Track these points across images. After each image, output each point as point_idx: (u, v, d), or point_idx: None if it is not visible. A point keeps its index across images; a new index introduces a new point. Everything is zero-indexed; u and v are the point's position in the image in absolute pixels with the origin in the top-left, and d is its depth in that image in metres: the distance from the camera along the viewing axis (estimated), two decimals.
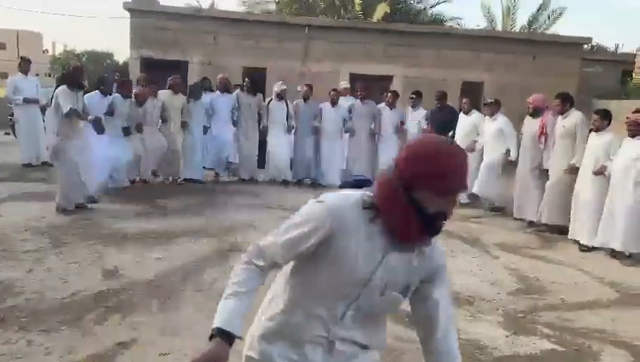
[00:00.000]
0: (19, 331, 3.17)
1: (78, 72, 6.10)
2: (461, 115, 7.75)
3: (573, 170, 5.96)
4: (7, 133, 11.65)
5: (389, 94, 8.50)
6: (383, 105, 8.53)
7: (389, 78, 11.38)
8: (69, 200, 5.96)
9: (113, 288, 3.92)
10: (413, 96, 8.36)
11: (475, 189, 7.16)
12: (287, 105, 8.36)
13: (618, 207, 5.35)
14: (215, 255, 4.85)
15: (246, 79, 8.45)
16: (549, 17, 17.78)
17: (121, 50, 73.21)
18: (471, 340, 3.44)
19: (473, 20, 53.23)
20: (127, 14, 11.03)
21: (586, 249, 5.72)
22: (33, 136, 8.94)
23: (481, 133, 7.40)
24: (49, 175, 8.17)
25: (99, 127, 6.14)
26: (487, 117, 7.34)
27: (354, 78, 10.88)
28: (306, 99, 8.47)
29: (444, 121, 7.86)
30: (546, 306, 4.13)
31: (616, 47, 21.13)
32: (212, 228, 5.72)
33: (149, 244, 5.01)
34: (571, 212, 5.94)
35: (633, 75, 15.21)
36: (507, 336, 3.54)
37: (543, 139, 6.41)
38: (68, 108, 5.71)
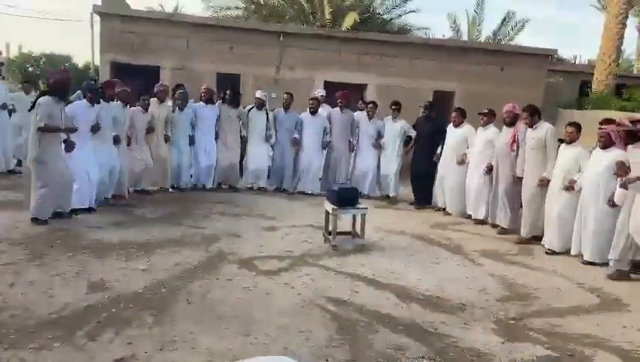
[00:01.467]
0: (9, 349, 3.02)
1: (68, 83, 5.86)
2: (450, 127, 7.71)
3: (545, 183, 6.11)
4: None
5: (370, 105, 8.54)
6: (362, 114, 8.58)
7: (362, 87, 11.47)
8: (44, 210, 5.72)
9: (102, 301, 3.79)
10: (395, 107, 8.37)
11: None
12: (267, 113, 8.33)
13: (588, 217, 5.57)
14: (202, 265, 4.76)
15: (228, 91, 8.35)
16: (512, 28, 18.40)
17: (80, 54, 71.26)
18: (468, 348, 3.48)
19: (440, 30, 54.23)
20: (87, 17, 10.78)
21: (550, 252, 5.98)
22: (1, 143, 8.59)
23: (471, 145, 7.39)
24: (17, 183, 7.88)
25: (69, 146, 5.80)
26: (479, 127, 7.34)
27: (328, 85, 10.92)
28: (286, 108, 8.44)
29: (432, 131, 7.92)
30: (534, 312, 4.22)
31: (575, 58, 22.01)
32: (195, 238, 5.62)
33: (131, 255, 4.87)
34: (545, 221, 6.14)
35: (592, 85, 15.90)
36: (503, 343, 3.60)
37: (515, 147, 6.56)
38: (43, 124, 5.50)
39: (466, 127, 7.56)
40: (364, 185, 8.52)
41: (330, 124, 8.47)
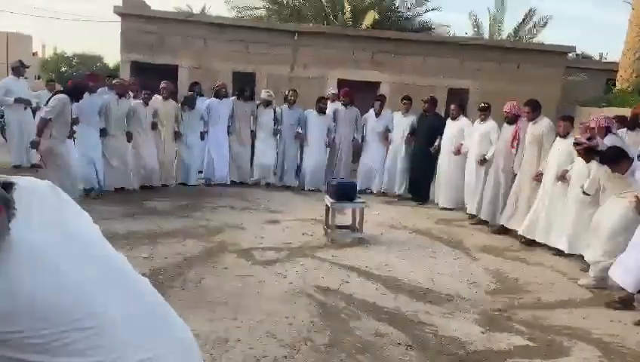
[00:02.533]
0: None
1: (84, 87, 6.34)
2: (449, 121, 7.88)
3: (540, 178, 6.15)
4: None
5: (378, 102, 8.62)
6: (370, 112, 8.70)
7: (376, 85, 11.55)
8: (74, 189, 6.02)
9: None
10: (406, 101, 8.42)
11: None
12: (274, 111, 8.52)
13: (569, 209, 5.64)
14: (202, 254, 4.96)
15: (245, 88, 8.59)
16: (534, 26, 18.12)
17: (111, 54, 72.89)
18: (447, 336, 3.57)
19: (462, 29, 53.79)
20: (117, 18, 11.10)
21: (524, 241, 6.13)
22: (23, 138, 8.97)
23: (467, 137, 7.51)
24: (38, 176, 8.23)
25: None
26: (477, 120, 7.39)
27: (341, 83, 11.03)
28: (290, 104, 8.62)
29: (430, 127, 8.05)
30: (521, 305, 4.28)
31: (601, 56, 21.52)
32: (200, 229, 5.83)
33: (136, 244, 5.11)
34: (532, 210, 6.15)
35: (616, 83, 15.59)
36: (482, 332, 3.68)
37: (515, 144, 6.58)
38: (49, 116, 5.87)
39: (463, 120, 7.75)
40: (372, 182, 8.65)
41: (334, 121, 8.58)
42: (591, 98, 14.22)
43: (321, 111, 8.51)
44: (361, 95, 9.28)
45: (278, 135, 8.57)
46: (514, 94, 9.63)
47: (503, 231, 6.57)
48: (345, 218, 6.25)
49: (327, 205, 5.88)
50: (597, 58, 21.79)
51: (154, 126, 7.77)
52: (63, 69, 45.73)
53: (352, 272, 4.77)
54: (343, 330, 3.55)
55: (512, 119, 6.65)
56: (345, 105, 8.60)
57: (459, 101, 8.56)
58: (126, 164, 7.47)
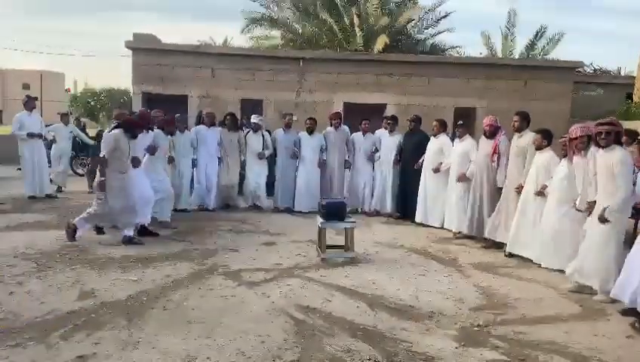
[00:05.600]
0: None
1: (134, 125, 6.34)
2: (431, 138, 7.99)
3: (522, 190, 6.22)
4: (19, 168, 12.11)
5: (363, 122, 8.85)
6: (358, 133, 8.86)
7: (382, 107, 11.65)
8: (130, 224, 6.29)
9: (86, 308, 4.13)
10: (390, 121, 8.65)
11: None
12: (262, 136, 8.72)
13: (549, 222, 5.71)
14: (190, 276, 5.05)
15: (227, 116, 8.80)
16: (547, 43, 18.08)
17: None
18: (419, 352, 3.55)
19: (475, 48, 53.96)
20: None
21: (508, 255, 6.18)
22: (37, 170, 9.34)
23: (447, 155, 7.63)
24: (50, 206, 8.55)
25: (135, 161, 6.38)
26: (456, 139, 7.53)
27: (347, 107, 11.18)
28: (287, 127, 8.79)
29: (415, 144, 8.17)
30: (503, 320, 4.22)
31: (619, 70, 21.18)
32: (193, 252, 5.94)
33: (127, 268, 5.24)
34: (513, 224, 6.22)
35: (634, 96, 15.33)
36: (457, 348, 3.65)
37: (495, 158, 6.66)
38: (102, 155, 6.11)
39: (442, 138, 7.83)
40: (360, 201, 8.73)
41: (325, 142, 8.73)
42: (604, 112, 14.00)
43: (309, 131, 8.72)
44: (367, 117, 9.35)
45: (265, 157, 8.76)
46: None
47: (494, 245, 6.63)
48: (341, 238, 6.28)
49: (318, 225, 5.94)
50: (615, 72, 21.45)
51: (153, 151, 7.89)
52: (92, 103, 47.44)
53: (337, 291, 4.78)
54: (314, 348, 3.57)
55: (492, 133, 6.74)
56: (335, 127, 8.73)
57: (465, 120, 8.55)
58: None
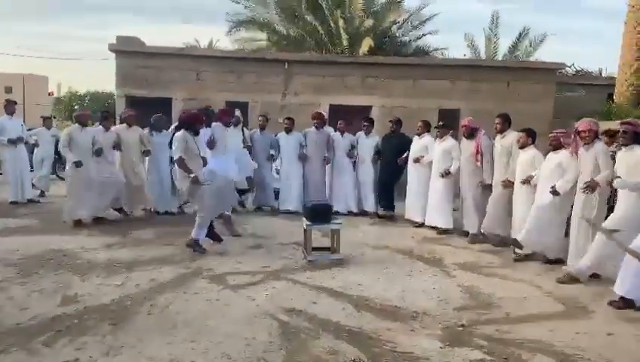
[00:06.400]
0: None
1: (194, 119, 6.31)
2: (415, 138, 8.13)
3: (509, 184, 6.47)
4: (0, 173, 11.93)
5: (340, 122, 8.95)
6: (336, 133, 8.93)
7: (367, 108, 11.70)
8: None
9: (69, 313, 4.10)
10: (367, 123, 8.82)
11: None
12: (242, 131, 8.61)
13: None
14: (175, 280, 5.02)
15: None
16: (530, 44, 18.25)
17: None
18: (404, 352, 3.57)
19: (459, 50, 54.63)
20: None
21: (517, 255, 6.21)
22: (19, 175, 9.22)
23: (430, 153, 7.82)
24: (33, 211, 8.46)
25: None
26: (437, 139, 7.72)
27: (333, 109, 11.21)
28: (261, 129, 8.84)
29: (396, 145, 8.36)
30: (487, 320, 4.25)
31: (600, 71, 21.48)
32: (179, 256, 5.90)
33: (112, 272, 5.20)
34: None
35: (615, 97, 15.57)
36: (441, 348, 3.68)
37: (479, 158, 6.92)
38: (177, 156, 6.02)
39: (427, 137, 8.00)
40: (345, 202, 8.78)
41: (305, 142, 8.80)
42: (585, 113, 14.19)
43: (286, 130, 8.81)
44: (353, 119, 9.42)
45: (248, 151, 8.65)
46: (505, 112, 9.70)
47: (480, 240, 6.94)
48: (327, 240, 6.28)
49: (304, 227, 5.95)
50: (597, 73, 21.74)
51: (118, 149, 7.90)
52: (76, 106, 46.96)
53: (322, 293, 4.79)
54: (299, 350, 3.57)
55: (470, 134, 7.03)
56: (317, 127, 8.78)
57: (450, 121, 8.65)
58: None
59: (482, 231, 6.86)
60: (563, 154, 5.73)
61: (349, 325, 4.04)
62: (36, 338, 3.60)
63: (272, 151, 8.86)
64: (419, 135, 8.04)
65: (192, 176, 5.96)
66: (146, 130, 8.28)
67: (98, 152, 7.47)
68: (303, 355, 3.49)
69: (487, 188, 6.92)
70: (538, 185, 5.94)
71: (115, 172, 7.81)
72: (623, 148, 5.03)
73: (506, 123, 6.70)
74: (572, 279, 5.27)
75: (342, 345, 3.67)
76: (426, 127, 8.06)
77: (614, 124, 8.39)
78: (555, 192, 5.59)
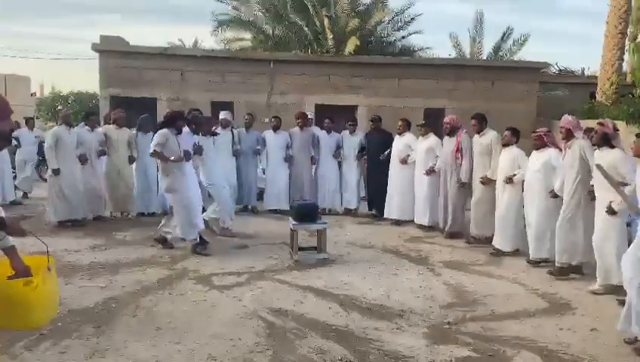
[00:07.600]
0: None
1: (176, 116, 6.23)
2: (396, 136, 8.17)
3: (488, 181, 6.54)
4: None
5: (326, 120, 8.96)
6: (322, 132, 8.94)
7: (353, 108, 11.72)
8: (193, 230, 6.06)
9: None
10: (351, 123, 8.94)
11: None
12: (232, 132, 8.54)
13: (529, 215, 5.95)
14: (161, 282, 4.98)
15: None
16: (514, 44, 18.42)
17: None
18: (391, 350, 3.58)
19: (444, 50, 54.98)
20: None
21: (495, 252, 6.32)
22: (1, 177, 9.07)
23: (414, 151, 7.85)
24: (16, 214, 8.31)
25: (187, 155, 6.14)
26: (420, 137, 7.80)
27: (319, 108, 11.21)
28: (247, 127, 8.81)
29: (379, 142, 8.42)
30: (473, 317, 4.28)
31: (583, 70, 21.72)
32: (164, 258, 5.86)
33: (95, 275, 5.14)
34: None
35: (597, 96, 15.78)
36: (427, 346, 3.69)
37: (459, 155, 6.97)
38: (152, 150, 5.96)
39: (408, 136, 8.05)
40: (330, 201, 8.81)
41: (291, 142, 8.81)
42: (568, 112, 14.35)
43: (273, 129, 8.82)
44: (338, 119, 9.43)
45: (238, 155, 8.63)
46: (489, 112, 9.74)
47: (456, 235, 7.14)
48: (314, 239, 6.27)
49: (290, 227, 5.93)
50: (579, 73, 22.01)
51: (103, 153, 7.86)
52: (60, 107, 46.32)
53: (309, 293, 4.78)
54: (285, 350, 3.57)
55: (451, 130, 7.10)
56: (300, 127, 8.79)
57: (435, 120, 8.69)
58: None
59: (472, 236, 6.86)
60: (549, 153, 5.75)
61: (335, 324, 4.04)
62: (18, 343, 3.54)
63: (258, 146, 8.83)
64: (400, 134, 8.09)
65: (171, 159, 5.91)
66: (133, 131, 8.18)
67: (82, 160, 7.43)
68: (290, 355, 3.48)
69: (463, 187, 6.99)
70: (525, 184, 5.97)
71: (98, 182, 7.86)
72: (597, 149, 5.02)
73: (482, 122, 6.76)
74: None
75: (329, 344, 3.67)
76: (407, 126, 8.12)
77: (594, 123, 8.51)
78: (555, 195, 5.60)
